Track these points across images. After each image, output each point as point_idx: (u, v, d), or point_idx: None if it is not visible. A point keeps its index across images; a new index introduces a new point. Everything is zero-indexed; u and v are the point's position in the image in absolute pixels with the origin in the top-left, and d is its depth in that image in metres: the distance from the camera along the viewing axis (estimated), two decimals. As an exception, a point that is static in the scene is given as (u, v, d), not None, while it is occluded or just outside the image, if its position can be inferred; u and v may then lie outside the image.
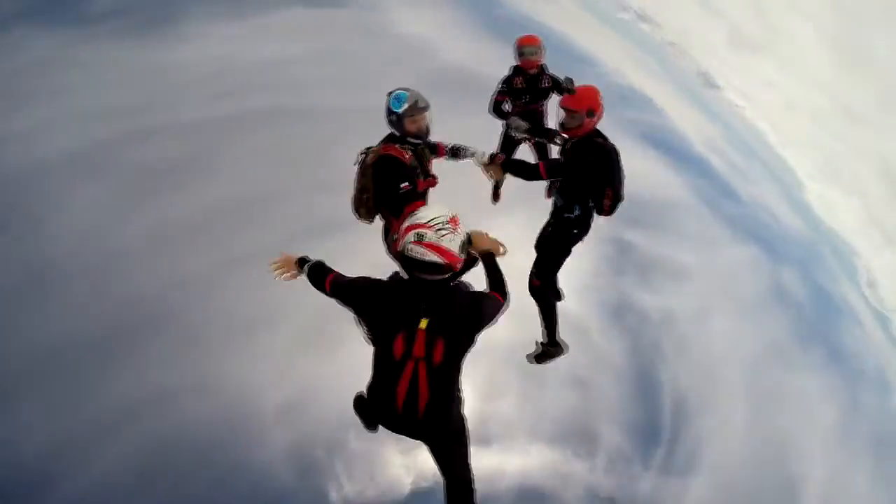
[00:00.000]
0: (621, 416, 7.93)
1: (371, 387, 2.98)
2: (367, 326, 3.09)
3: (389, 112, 4.20)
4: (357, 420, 3.31)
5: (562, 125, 4.70)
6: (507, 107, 6.69)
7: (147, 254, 7.68)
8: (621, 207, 4.65)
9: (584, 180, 4.53)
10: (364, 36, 12.49)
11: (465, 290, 3.18)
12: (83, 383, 6.65)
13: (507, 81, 6.63)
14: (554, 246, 4.87)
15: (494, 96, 6.72)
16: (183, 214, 8.20)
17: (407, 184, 4.15)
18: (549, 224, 4.92)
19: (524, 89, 6.62)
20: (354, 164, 4.36)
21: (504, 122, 6.47)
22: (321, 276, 3.19)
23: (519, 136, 6.29)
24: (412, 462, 7.31)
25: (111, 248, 7.66)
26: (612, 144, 4.58)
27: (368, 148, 4.36)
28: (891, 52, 22.27)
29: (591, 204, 4.64)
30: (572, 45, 17.80)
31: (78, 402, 6.56)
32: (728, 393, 10.64)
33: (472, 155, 4.92)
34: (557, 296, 5.23)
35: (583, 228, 4.77)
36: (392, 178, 4.16)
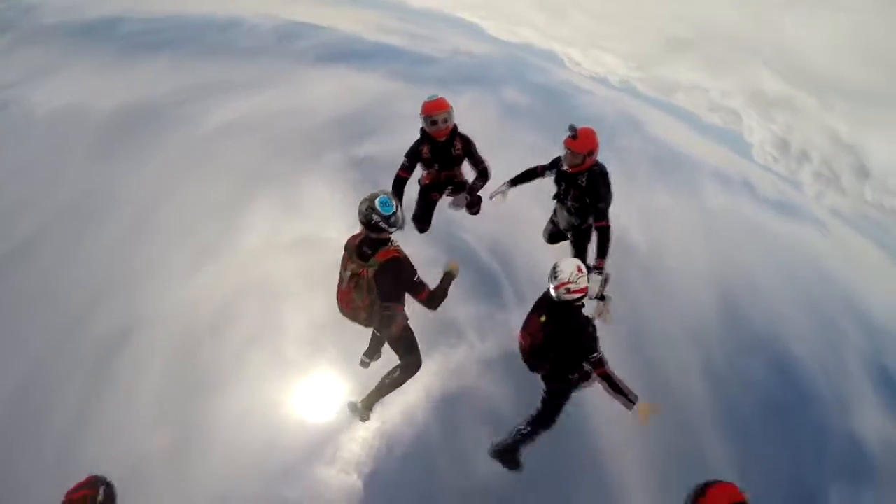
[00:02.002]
0: (462, 293, 8.32)
1: None
2: None
3: (386, 218, 4.41)
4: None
5: (565, 161, 5.55)
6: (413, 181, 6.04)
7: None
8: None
9: (600, 200, 5.64)
10: (14, 138, 10.85)
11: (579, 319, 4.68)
12: None
13: (414, 152, 5.86)
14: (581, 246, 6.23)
15: (398, 171, 5.92)
16: None
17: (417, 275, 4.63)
18: (570, 235, 6.31)
19: (432, 159, 5.93)
20: (349, 280, 4.60)
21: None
22: None
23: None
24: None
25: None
26: (604, 166, 5.68)
27: (347, 268, 4.62)
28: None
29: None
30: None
31: None
32: (524, 208, 11.65)
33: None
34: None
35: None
36: (408, 272, 4.60)
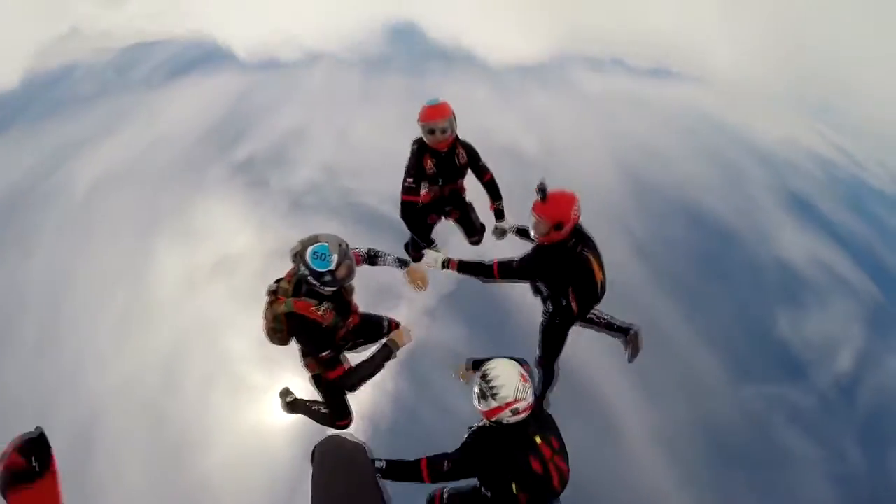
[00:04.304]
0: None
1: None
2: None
3: (318, 275, 3.75)
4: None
5: (533, 226, 4.52)
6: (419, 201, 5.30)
7: None
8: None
9: (546, 281, 4.64)
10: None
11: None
12: None
13: (417, 169, 5.02)
14: (548, 335, 5.14)
15: (402, 194, 5.11)
16: None
17: (327, 352, 4.03)
18: (543, 314, 5.08)
19: (437, 173, 5.13)
20: (265, 294, 4.14)
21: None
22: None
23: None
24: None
25: None
26: (581, 254, 4.42)
27: (278, 281, 4.12)
28: None
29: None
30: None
31: None
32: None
33: (398, 264, 4.71)
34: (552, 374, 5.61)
35: (567, 318, 4.84)
36: (311, 343, 4.06)
